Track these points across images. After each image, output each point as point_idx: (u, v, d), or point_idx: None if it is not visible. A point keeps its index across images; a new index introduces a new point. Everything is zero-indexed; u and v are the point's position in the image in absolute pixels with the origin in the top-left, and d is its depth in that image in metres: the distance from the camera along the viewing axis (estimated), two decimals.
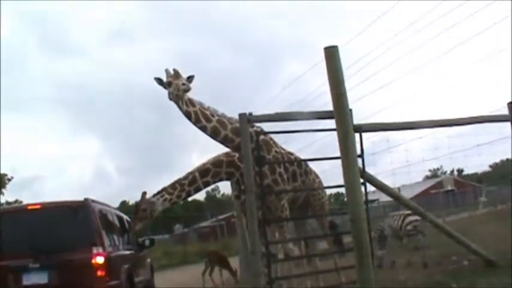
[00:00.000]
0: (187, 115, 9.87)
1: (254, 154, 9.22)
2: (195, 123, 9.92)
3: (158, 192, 11.03)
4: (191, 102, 9.90)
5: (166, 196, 10.97)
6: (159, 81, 9.86)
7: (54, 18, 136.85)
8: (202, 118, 9.91)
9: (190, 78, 9.95)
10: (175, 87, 9.67)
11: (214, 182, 11.55)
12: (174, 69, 9.88)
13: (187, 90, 9.86)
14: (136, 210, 11.00)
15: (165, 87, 9.82)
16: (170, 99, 9.76)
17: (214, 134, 9.99)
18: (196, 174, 11.12)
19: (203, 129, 9.97)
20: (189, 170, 11.34)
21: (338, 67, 5.99)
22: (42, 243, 10.04)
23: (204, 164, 11.29)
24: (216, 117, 10.06)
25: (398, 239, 15.09)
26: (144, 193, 10.99)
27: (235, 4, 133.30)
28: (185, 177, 11.12)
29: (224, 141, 10.08)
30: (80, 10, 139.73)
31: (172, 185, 11.07)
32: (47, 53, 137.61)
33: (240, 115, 9.38)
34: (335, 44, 6.08)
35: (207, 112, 10.01)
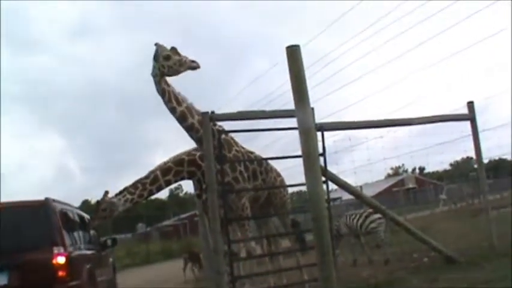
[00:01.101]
0: (163, 93, 9.96)
1: (215, 152, 9.23)
2: (166, 103, 10.00)
3: (120, 192, 10.99)
4: (167, 83, 10.01)
5: (128, 196, 10.93)
6: (156, 51, 9.96)
7: (17, 12, 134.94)
8: (174, 100, 9.99)
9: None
10: (177, 62, 9.82)
11: (176, 181, 11.53)
12: (172, 47, 9.97)
13: (195, 68, 10.06)
14: (96, 209, 10.97)
15: (156, 59, 9.91)
16: (156, 74, 9.90)
17: (181, 118, 10.01)
18: (158, 173, 11.09)
19: (173, 110, 10.01)
20: (152, 168, 11.31)
21: (299, 66, 6.00)
22: (1, 244, 9.87)
23: (165, 163, 11.26)
24: (185, 104, 10.12)
25: (356, 237, 15.18)
26: (107, 192, 10.96)
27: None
28: (147, 177, 11.08)
29: (189, 129, 10.08)
30: (43, 4, 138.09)
31: (134, 185, 11.03)
32: (8, 48, 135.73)
33: (203, 113, 9.38)
34: (300, 41, 6.10)
35: (179, 97, 10.10)
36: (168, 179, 11.15)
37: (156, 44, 10.09)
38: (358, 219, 14.89)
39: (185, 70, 10.02)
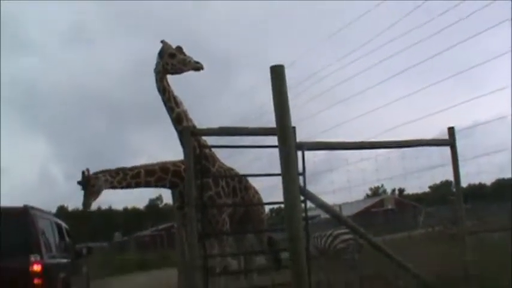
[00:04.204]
0: (163, 90, 10.04)
1: (198, 166, 9.23)
2: (165, 102, 10.07)
3: (101, 171, 10.92)
4: (168, 82, 10.04)
5: (108, 177, 10.89)
6: (162, 48, 9.98)
7: (7, 15, 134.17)
8: (172, 100, 10.02)
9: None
10: (181, 61, 9.84)
11: (156, 186, 11.49)
12: (178, 46, 10.02)
13: (198, 69, 10.10)
14: (86, 186, 10.81)
15: (161, 55, 9.93)
16: (159, 70, 9.91)
17: (177, 120, 10.05)
18: (142, 171, 11.07)
19: (170, 110, 10.07)
20: (137, 165, 11.31)
21: (283, 86, 6.01)
22: None
23: (151, 165, 11.23)
24: (182, 108, 10.15)
25: (325, 258, 15.18)
26: (88, 170, 10.85)
27: (195, 10, 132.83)
28: (130, 169, 11.06)
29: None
30: (35, 7, 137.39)
31: (116, 171, 11.00)
32: None
33: (184, 127, 9.39)
34: (288, 58, 6.16)
35: (177, 99, 10.14)
36: (149, 180, 11.12)
37: (162, 41, 10.15)
38: (326, 240, 14.88)
39: (188, 70, 10.11)
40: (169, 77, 10.26)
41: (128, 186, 11.15)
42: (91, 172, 10.99)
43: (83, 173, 10.87)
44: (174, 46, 10.17)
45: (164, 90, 10.04)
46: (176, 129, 10.03)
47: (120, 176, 10.94)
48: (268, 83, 6.10)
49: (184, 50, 10.13)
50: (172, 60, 9.96)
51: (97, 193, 10.91)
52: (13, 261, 9.77)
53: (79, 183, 10.97)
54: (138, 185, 11.17)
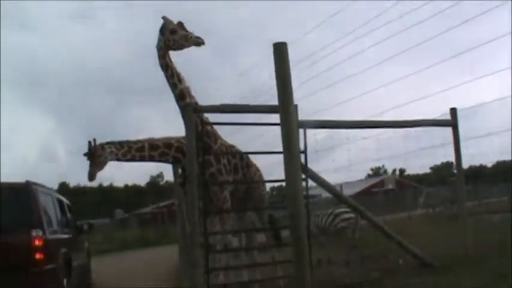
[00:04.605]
0: (166, 67, 10.03)
1: (200, 143, 9.24)
2: (168, 78, 10.05)
3: (106, 143, 10.93)
4: (170, 58, 10.09)
5: (113, 149, 10.86)
6: (163, 24, 9.96)
7: None
8: (175, 76, 10.02)
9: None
10: (183, 36, 9.85)
11: (159, 161, 11.48)
12: (179, 22, 9.99)
13: (199, 44, 10.08)
14: (92, 156, 10.80)
15: (162, 32, 9.93)
16: (161, 47, 9.90)
17: (180, 97, 10.01)
18: (146, 144, 11.06)
19: (173, 86, 10.04)
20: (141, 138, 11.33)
21: (285, 63, 6.01)
22: None
23: (155, 140, 11.24)
24: (185, 84, 10.15)
25: (326, 236, 15.23)
26: (94, 140, 10.84)
27: None
28: (134, 142, 11.05)
29: None
30: None
31: (121, 143, 10.97)
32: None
33: (186, 104, 9.37)
34: (291, 37, 6.11)
35: (180, 76, 10.14)
36: (152, 154, 11.11)
37: (163, 18, 10.12)
38: (327, 218, 14.91)
39: (190, 45, 10.09)
40: (172, 54, 10.23)
41: (133, 159, 11.15)
42: (97, 143, 10.99)
43: (89, 143, 10.86)
44: (175, 22, 10.13)
45: (167, 66, 10.01)
46: (179, 105, 10.00)
47: (125, 149, 10.94)
48: (270, 61, 6.09)
49: (186, 26, 10.10)
50: (173, 36, 9.93)
51: (103, 164, 10.89)
52: (15, 236, 9.83)
53: (85, 154, 10.97)
54: (142, 159, 11.17)
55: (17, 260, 9.72)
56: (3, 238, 9.73)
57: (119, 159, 11.08)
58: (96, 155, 10.71)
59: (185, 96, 10.00)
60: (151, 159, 11.27)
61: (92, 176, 10.99)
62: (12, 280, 9.57)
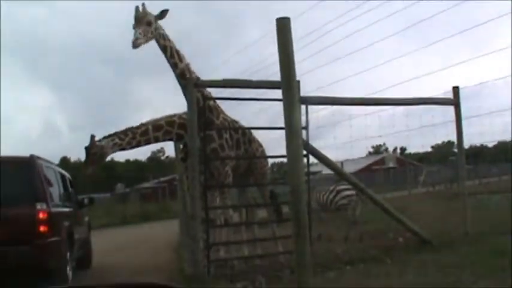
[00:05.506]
0: (164, 49, 9.97)
1: (203, 118, 9.25)
2: (169, 58, 10.00)
3: (109, 136, 10.98)
4: (167, 37, 10.04)
5: (117, 141, 10.93)
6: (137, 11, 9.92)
7: None
8: (176, 55, 9.99)
9: (164, 13, 10.04)
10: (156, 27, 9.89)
11: (164, 140, 11.57)
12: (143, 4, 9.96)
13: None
14: (87, 154, 10.90)
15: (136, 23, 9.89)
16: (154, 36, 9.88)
17: (181, 76, 9.98)
18: (150, 127, 11.11)
19: (174, 66, 10.02)
20: (144, 121, 11.36)
21: (288, 39, 5.98)
22: None
23: (157, 120, 11.29)
24: (186, 62, 10.12)
25: (326, 212, 15.26)
26: (93, 136, 10.92)
27: None
28: (138, 127, 11.11)
29: None
30: None
31: (124, 132, 11.03)
32: None
33: (188, 79, 9.35)
34: (293, 13, 6.09)
35: (181, 53, 10.10)
36: (157, 135, 11.19)
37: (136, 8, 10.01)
38: (328, 195, 14.94)
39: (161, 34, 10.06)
40: (171, 33, 10.19)
41: (138, 144, 11.22)
42: (101, 137, 11.04)
43: (92, 137, 10.95)
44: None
45: (165, 48, 9.97)
46: (180, 84, 9.99)
47: (130, 136, 11.00)
48: (272, 37, 6.06)
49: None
50: (151, 28, 9.89)
51: (99, 161, 11.01)
52: (20, 209, 9.88)
53: (85, 148, 11.08)
54: (147, 142, 11.27)
55: (22, 233, 9.78)
56: (8, 211, 9.78)
57: (123, 149, 11.18)
58: (91, 153, 10.82)
59: (186, 75, 9.99)
60: (156, 140, 11.36)
61: (85, 173, 11.25)
62: (17, 253, 9.63)
